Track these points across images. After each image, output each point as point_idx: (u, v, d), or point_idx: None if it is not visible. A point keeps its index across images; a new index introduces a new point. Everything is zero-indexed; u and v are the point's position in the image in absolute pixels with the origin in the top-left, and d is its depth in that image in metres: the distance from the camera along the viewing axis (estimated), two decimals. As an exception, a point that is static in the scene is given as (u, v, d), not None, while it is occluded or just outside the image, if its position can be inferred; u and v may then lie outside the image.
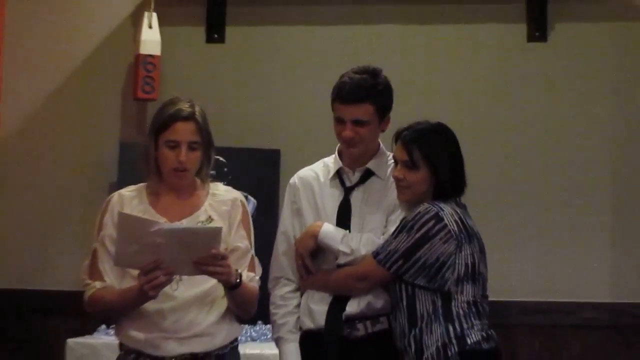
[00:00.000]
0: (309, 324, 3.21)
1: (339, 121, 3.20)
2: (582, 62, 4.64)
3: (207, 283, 3.03)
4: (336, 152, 3.32)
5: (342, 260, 3.17)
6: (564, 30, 4.65)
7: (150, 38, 4.58)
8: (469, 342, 3.02)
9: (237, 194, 3.24)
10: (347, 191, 3.27)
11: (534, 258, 4.54)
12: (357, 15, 4.71)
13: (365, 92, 3.16)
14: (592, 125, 4.60)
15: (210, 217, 3.12)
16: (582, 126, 4.61)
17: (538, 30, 4.64)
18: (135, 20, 4.74)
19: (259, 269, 3.20)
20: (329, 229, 3.19)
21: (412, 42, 4.70)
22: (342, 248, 3.15)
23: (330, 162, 3.34)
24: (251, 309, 3.16)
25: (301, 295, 3.28)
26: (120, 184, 3.92)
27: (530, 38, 4.65)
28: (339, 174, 3.30)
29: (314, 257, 3.23)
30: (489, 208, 4.49)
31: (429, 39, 4.70)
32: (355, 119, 3.17)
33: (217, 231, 2.93)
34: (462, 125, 4.37)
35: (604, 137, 4.60)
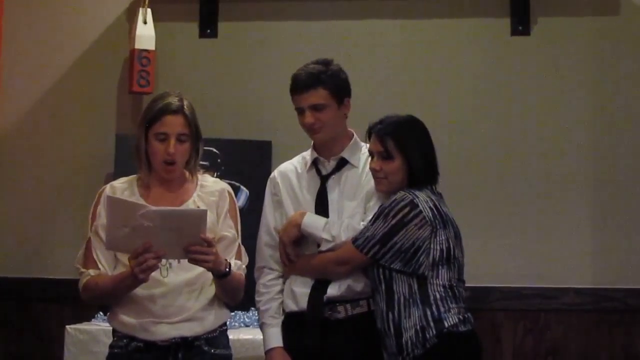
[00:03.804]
0: (292, 306, 3.28)
1: (300, 112, 3.29)
2: (564, 56, 4.61)
3: (196, 269, 3.08)
4: (312, 144, 3.40)
5: (324, 247, 3.24)
6: (547, 23, 4.62)
7: (145, 33, 4.60)
8: (446, 325, 3.07)
9: (225, 185, 3.30)
10: (324, 179, 3.34)
11: (517, 244, 4.52)
12: (345, 10, 4.70)
13: (316, 77, 3.25)
14: (574, 116, 4.57)
15: (198, 208, 3.14)
16: (564, 117, 4.58)
17: (521, 24, 4.60)
18: (130, 17, 4.76)
19: (245, 257, 3.27)
20: (311, 218, 3.26)
21: (398, 37, 4.67)
22: (325, 236, 3.23)
23: (307, 155, 3.43)
24: (238, 295, 3.23)
25: (284, 282, 3.34)
26: (117, 175, 3.95)
27: (514, 32, 4.61)
28: (315, 163, 3.38)
29: (297, 244, 3.29)
30: (473, 195, 4.50)
31: (414, 34, 4.67)
32: (311, 104, 3.25)
33: (203, 213, 2.97)
34: (446, 118, 4.46)
35: (586, 128, 4.58)
